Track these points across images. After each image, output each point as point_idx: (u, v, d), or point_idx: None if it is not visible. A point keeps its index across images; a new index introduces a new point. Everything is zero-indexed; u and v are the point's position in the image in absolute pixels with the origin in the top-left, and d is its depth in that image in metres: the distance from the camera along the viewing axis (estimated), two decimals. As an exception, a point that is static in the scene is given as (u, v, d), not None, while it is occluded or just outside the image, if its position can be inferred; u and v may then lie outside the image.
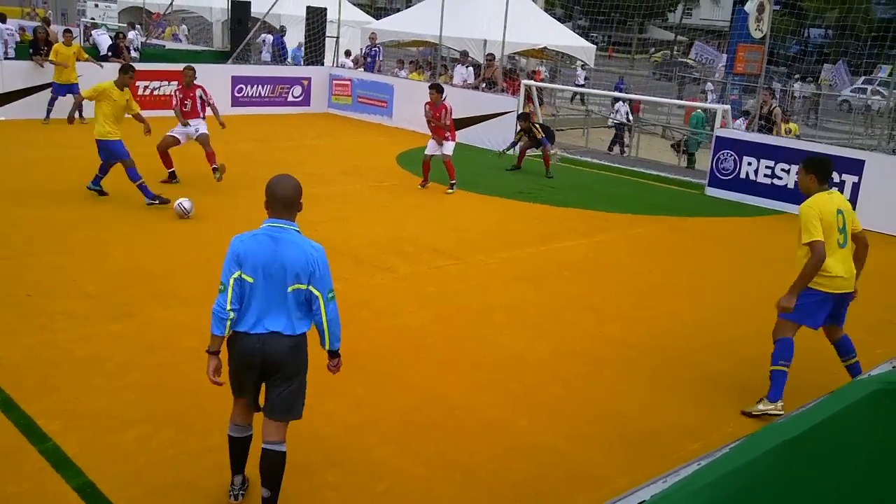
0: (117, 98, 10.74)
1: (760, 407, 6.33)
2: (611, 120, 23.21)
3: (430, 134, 13.85)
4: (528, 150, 16.44)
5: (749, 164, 14.37)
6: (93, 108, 10.83)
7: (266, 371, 4.46)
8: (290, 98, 21.46)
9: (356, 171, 14.65)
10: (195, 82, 12.51)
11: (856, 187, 13.05)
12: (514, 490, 5.10)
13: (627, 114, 22.74)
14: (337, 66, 22.78)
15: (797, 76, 30.95)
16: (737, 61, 22.67)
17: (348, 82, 21.69)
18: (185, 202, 10.64)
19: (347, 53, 23.89)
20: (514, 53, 24.85)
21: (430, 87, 13.88)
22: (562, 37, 25.85)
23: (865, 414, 4.00)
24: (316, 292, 4.36)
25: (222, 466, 4.89)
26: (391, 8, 53.91)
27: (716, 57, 31.86)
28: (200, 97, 12.50)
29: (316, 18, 23.13)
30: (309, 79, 21.84)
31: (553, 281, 9.35)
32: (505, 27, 18.96)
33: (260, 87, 20.79)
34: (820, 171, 6.40)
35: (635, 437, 5.88)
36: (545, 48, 25.22)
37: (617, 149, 21.74)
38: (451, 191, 13.57)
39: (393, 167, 15.39)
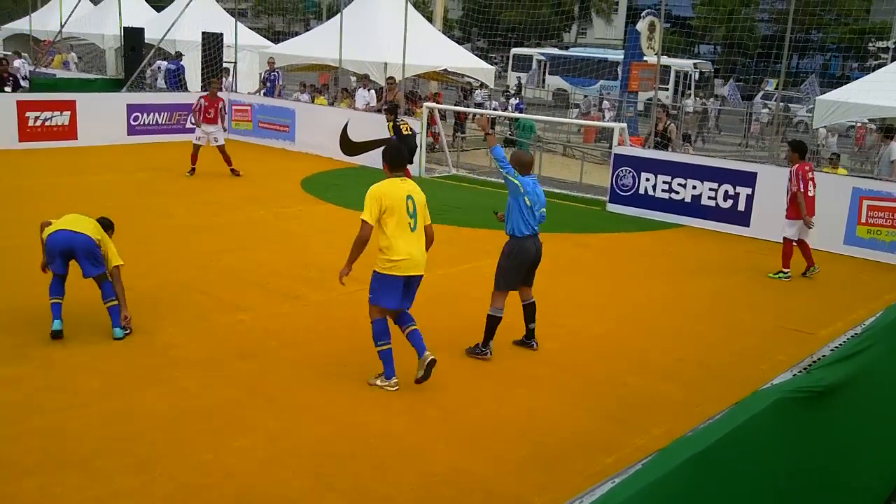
0: None
1: (378, 383, 6.85)
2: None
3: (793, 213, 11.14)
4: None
5: (647, 179, 14.79)
6: None
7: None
8: (188, 125, 21.00)
9: (259, 198, 14.42)
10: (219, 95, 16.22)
11: (749, 199, 13.58)
12: (433, 516, 5.07)
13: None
14: (234, 91, 22.43)
15: (689, 92, 32.10)
16: (631, 80, 23.28)
17: (248, 107, 21.40)
18: None
19: (226, 72, 22.72)
20: (415, 76, 24.98)
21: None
22: (461, 59, 26.14)
23: (770, 422, 4.13)
24: None
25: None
26: (290, 32, 53.52)
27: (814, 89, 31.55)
28: (222, 108, 16.12)
29: (212, 44, 22.75)
30: (207, 105, 21.40)
31: (464, 302, 9.38)
32: (405, 50, 19.06)
33: (157, 114, 20.30)
34: (391, 160, 6.93)
35: (550, 454, 5.94)
36: (445, 70, 25.45)
37: None
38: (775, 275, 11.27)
39: (298, 192, 15.22)
